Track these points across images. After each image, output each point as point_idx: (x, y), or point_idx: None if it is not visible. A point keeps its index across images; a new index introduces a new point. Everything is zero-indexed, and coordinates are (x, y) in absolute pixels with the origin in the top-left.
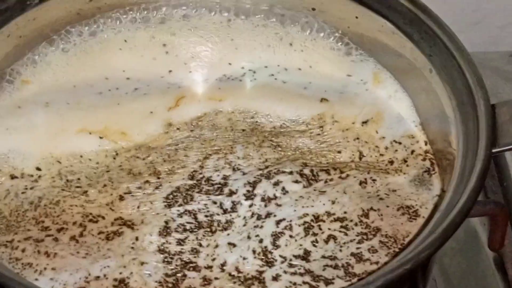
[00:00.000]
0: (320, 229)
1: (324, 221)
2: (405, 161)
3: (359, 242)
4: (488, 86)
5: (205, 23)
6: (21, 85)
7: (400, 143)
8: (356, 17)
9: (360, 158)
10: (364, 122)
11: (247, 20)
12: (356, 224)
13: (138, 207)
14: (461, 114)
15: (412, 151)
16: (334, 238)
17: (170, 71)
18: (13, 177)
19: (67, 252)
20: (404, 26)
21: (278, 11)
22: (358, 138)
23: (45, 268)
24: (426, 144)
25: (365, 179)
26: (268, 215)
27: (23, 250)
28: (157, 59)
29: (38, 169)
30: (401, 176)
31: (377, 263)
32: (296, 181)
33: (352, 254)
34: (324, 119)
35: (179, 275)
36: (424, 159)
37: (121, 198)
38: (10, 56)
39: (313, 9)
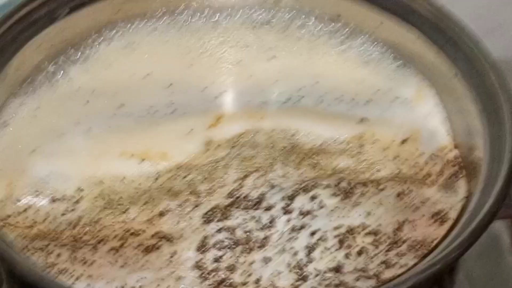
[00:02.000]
0: (354, 241)
1: (358, 233)
2: (442, 173)
3: (388, 250)
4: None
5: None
6: None
7: (437, 155)
8: (381, 23)
9: (398, 175)
10: (404, 140)
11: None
12: (389, 237)
13: (177, 223)
14: (486, 118)
15: (447, 161)
16: (367, 251)
17: (206, 87)
18: (54, 199)
19: (105, 260)
20: (428, 31)
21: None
22: (398, 156)
23: (81, 275)
24: (452, 150)
25: (402, 190)
26: (303, 226)
27: (58, 255)
28: (195, 74)
29: (80, 189)
30: (435, 185)
31: (405, 265)
32: (333, 194)
33: (382, 262)
34: (364, 138)
35: None
36: (453, 165)
37: (161, 214)
38: (40, 65)
39: (337, 18)
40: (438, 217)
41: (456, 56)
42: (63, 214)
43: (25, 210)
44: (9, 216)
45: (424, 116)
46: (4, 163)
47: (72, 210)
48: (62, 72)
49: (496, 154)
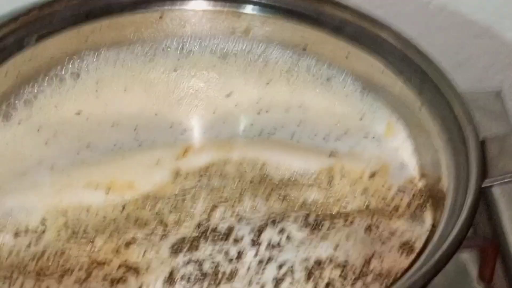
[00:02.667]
0: (322, 274)
1: (326, 266)
2: (409, 204)
3: (355, 281)
4: (476, 124)
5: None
6: None
7: (405, 187)
8: (349, 53)
9: (367, 208)
10: (373, 174)
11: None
12: (356, 271)
13: (143, 254)
14: (451, 150)
15: (415, 192)
16: (334, 284)
17: (173, 122)
18: (18, 233)
19: None
20: (395, 62)
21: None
22: (366, 190)
23: None
24: (419, 180)
25: (371, 223)
26: (271, 259)
27: (22, 285)
28: (162, 109)
29: (43, 222)
30: (403, 217)
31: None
32: (302, 227)
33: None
34: (332, 173)
35: None
36: (420, 195)
37: (127, 245)
38: (7, 94)
39: (304, 49)
40: (405, 247)
41: (422, 87)
42: (27, 247)
43: None
44: None
45: (393, 149)
46: None
47: (36, 242)
48: (23, 107)
49: (462, 185)
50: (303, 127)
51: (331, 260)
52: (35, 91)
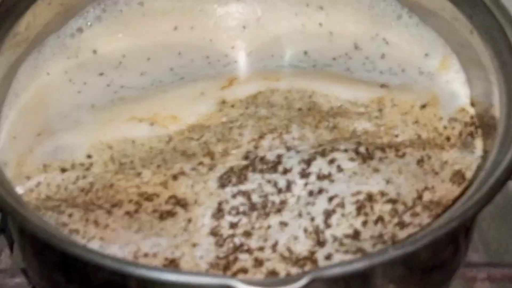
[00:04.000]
0: (372, 209)
1: (377, 201)
2: (461, 135)
3: (403, 213)
4: None
5: None
6: None
7: (456, 118)
8: None
9: (418, 138)
10: (423, 106)
11: None
12: (407, 206)
13: (192, 187)
14: (503, 75)
15: (465, 123)
16: (384, 219)
17: (216, 51)
18: (63, 170)
19: (118, 225)
20: None
21: None
22: (417, 121)
23: (93, 237)
24: (471, 109)
25: (422, 156)
26: (321, 191)
27: (70, 215)
28: (204, 38)
29: (89, 156)
30: (454, 148)
31: (420, 225)
32: (352, 159)
33: (397, 224)
34: (383, 102)
35: (230, 257)
36: (470, 125)
37: (175, 177)
38: (52, 25)
39: None
40: (457, 176)
41: (474, 11)
42: (74, 183)
43: (36, 186)
44: (21, 195)
45: (445, 81)
46: (12, 145)
47: (84, 177)
48: (67, 42)
49: None
50: (356, 59)
51: (382, 194)
52: (77, 23)
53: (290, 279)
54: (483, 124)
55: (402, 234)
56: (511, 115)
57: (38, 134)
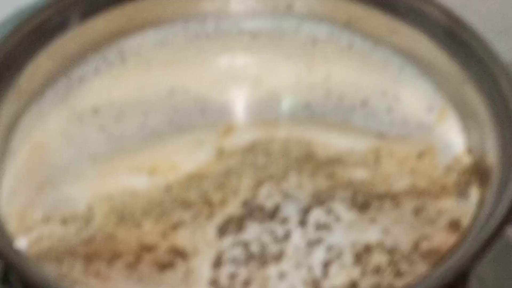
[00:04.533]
0: (371, 258)
1: (374, 252)
2: (456, 184)
3: (400, 262)
4: None
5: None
6: None
7: (452, 168)
8: (393, 28)
9: (414, 188)
10: (419, 156)
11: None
12: (403, 255)
13: (191, 237)
14: (497, 124)
15: (461, 172)
16: (380, 269)
17: (213, 101)
18: (65, 221)
19: (119, 276)
20: (438, 37)
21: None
22: (414, 170)
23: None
24: (466, 158)
25: (419, 205)
26: (319, 240)
27: (71, 267)
28: (201, 87)
29: (90, 209)
30: (451, 196)
31: (416, 274)
32: (349, 208)
33: (394, 273)
34: (380, 152)
35: None
36: (467, 172)
37: (174, 227)
38: (51, 77)
39: (349, 21)
40: (453, 225)
41: (468, 62)
42: (76, 234)
43: (38, 238)
44: (23, 247)
45: (442, 132)
46: (14, 198)
47: (85, 228)
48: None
49: (508, 159)
50: (359, 111)
51: (379, 245)
52: (78, 74)
53: None
54: (478, 172)
55: (399, 282)
56: (507, 163)
57: (39, 187)
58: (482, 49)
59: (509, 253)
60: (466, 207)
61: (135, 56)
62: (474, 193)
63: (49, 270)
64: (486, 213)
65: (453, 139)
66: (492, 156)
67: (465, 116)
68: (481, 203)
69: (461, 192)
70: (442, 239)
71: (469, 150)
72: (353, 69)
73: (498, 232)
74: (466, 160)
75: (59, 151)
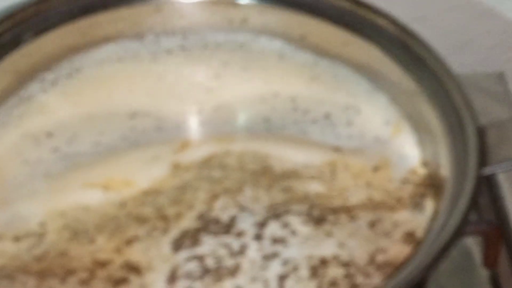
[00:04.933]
0: (327, 272)
1: (330, 265)
2: (411, 196)
3: (356, 275)
4: (478, 107)
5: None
6: None
7: (407, 180)
8: (347, 42)
9: (370, 201)
10: (375, 169)
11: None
12: (359, 268)
13: (145, 252)
14: (450, 137)
15: (416, 184)
16: (336, 283)
17: (168, 117)
18: (18, 239)
19: None
20: (392, 50)
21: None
22: (369, 184)
23: None
24: (421, 170)
25: (374, 218)
26: (274, 255)
27: (23, 284)
28: (156, 103)
29: (43, 226)
30: (406, 208)
31: (372, 286)
32: (305, 222)
33: (350, 286)
34: (336, 165)
35: None
36: (422, 185)
37: (129, 243)
38: (3, 94)
39: (304, 36)
40: (409, 237)
41: (421, 75)
42: (28, 251)
43: None
44: None
45: (397, 145)
46: None
47: (38, 245)
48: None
49: (461, 171)
50: (318, 125)
51: (335, 258)
52: (33, 89)
53: None
54: (432, 185)
55: None
56: (459, 177)
57: None
58: (436, 63)
59: (468, 264)
60: (421, 219)
61: (88, 73)
62: (428, 205)
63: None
64: (439, 224)
65: (408, 152)
66: (445, 169)
67: (420, 129)
68: (435, 215)
69: (416, 204)
70: (397, 251)
71: (424, 163)
72: (309, 82)
73: (451, 243)
74: (421, 172)
75: (11, 169)
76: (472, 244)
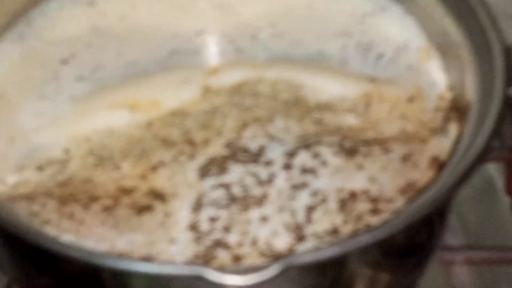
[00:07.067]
0: (355, 206)
1: (360, 199)
2: (440, 123)
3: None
4: (500, 31)
5: None
6: None
7: (438, 108)
8: None
9: (403, 133)
10: (410, 99)
11: None
12: (388, 202)
13: (171, 178)
14: (476, 57)
15: (444, 110)
16: (365, 215)
17: (201, 36)
18: (41, 168)
19: (94, 220)
20: None
21: None
22: (403, 115)
23: (67, 230)
24: (448, 95)
25: (407, 151)
26: (303, 185)
27: (43, 205)
28: (190, 22)
29: (67, 153)
30: (434, 136)
31: (394, 212)
32: (336, 153)
33: (373, 210)
34: (371, 97)
35: (209, 254)
36: (448, 108)
37: (154, 168)
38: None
39: None
40: (432, 162)
41: None
42: (52, 177)
43: (13, 188)
44: None
45: (426, 71)
46: None
47: (62, 172)
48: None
49: (487, 94)
50: (343, 52)
51: (365, 193)
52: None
53: (263, 266)
54: (457, 108)
55: (376, 219)
56: (484, 98)
57: (10, 138)
58: None
59: (491, 192)
60: (445, 143)
61: None
62: (452, 129)
63: (20, 209)
64: (463, 147)
65: (436, 78)
66: (471, 91)
67: (446, 52)
68: (459, 139)
69: (443, 129)
70: (423, 174)
71: (450, 87)
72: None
73: (474, 166)
74: (448, 96)
75: (35, 79)
76: (494, 171)
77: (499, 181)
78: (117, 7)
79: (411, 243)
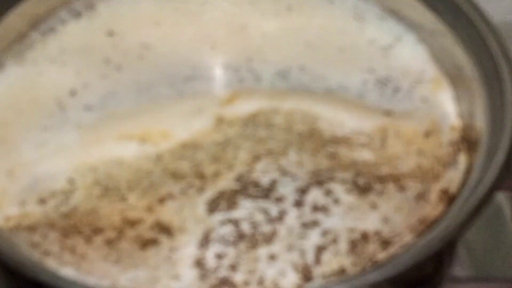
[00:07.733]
0: (364, 249)
1: (370, 241)
2: (452, 155)
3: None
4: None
5: None
6: None
7: (451, 143)
8: None
9: (419, 169)
10: (427, 134)
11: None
12: (398, 236)
13: (178, 212)
14: (486, 88)
15: (455, 141)
16: (376, 258)
17: (216, 65)
18: (44, 200)
19: (96, 255)
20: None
21: None
22: (419, 151)
23: (67, 263)
24: (459, 123)
25: (422, 189)
26: (314, 224)
27: (44, 236)
28: (209, 52)
29: (71, 181)
30: (446, 170)
31: (405, 244)
32: (349, 191)
33: (380, 243)
34: (387, 131)
35: None
36: (457, 139)
37: (162, 201)
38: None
39: None
40: (442, 195)
41: (456, 23)
42: (55, 209)
43: (14, 221)
44: None
45: (439, 102)
46: None
47: (65, 203)
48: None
49: (497, 124)
50: (363, 86)
51: (377, 234)
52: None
53: None
54: (467, 139)
55: (385, 253)
56: (496, 128)
57: (10, 171)
58: (471, 10)
59: (499, 219)
60: (454, 175)
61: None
62: (462, 160)
63: (20, 240)
64: (473, 180)
65: (448, 109)
66: (480, 121)
67: (456, 82)
68: (469, 170)
69: (454, 161)
70: (432, 208)
71: (460, 117)
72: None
73: (486, 199)
74: (458, 127)
75: (38, 109)
76: (503, 199)
77: (507, 209)
78: (137, 37)
79: (419, 275)
